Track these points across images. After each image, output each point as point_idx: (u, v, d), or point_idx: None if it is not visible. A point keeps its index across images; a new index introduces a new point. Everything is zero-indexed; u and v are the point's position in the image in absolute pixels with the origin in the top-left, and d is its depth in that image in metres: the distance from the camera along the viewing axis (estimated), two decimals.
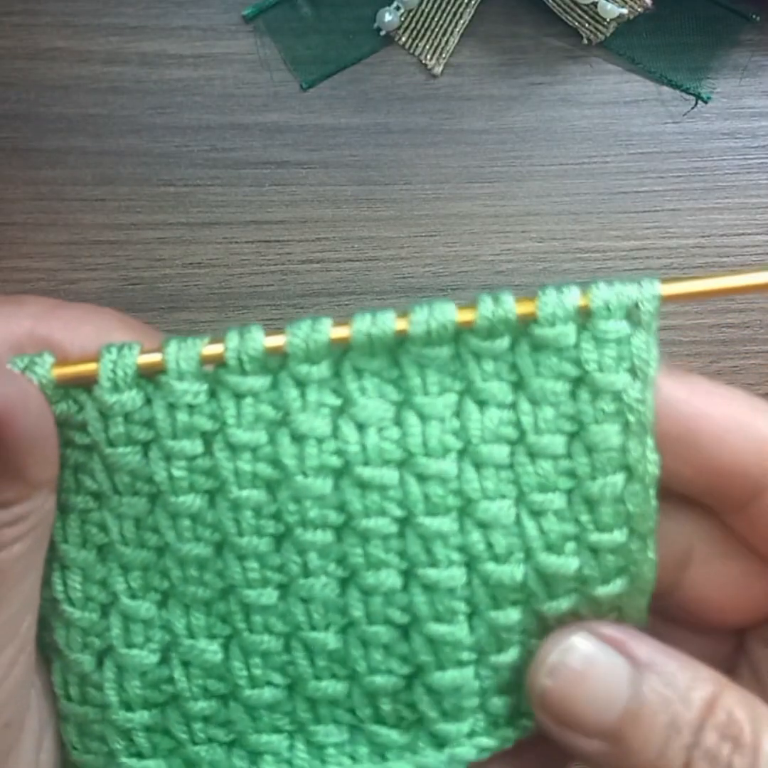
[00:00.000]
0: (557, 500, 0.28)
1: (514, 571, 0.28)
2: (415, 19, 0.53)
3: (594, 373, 0.27)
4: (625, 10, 0.52)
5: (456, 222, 0.52)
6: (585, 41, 0.54)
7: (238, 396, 0.27)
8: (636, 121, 0.54)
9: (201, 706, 0.30)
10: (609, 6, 0.52)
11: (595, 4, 0.52)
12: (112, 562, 0.29)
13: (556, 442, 0.27)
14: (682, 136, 0.54)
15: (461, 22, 0.53)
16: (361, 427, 0.28)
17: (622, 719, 0.26)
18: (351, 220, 0.52)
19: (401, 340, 0.27)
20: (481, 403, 0.28)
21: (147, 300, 0.51)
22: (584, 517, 0.28)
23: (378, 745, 0.30)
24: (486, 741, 0.30)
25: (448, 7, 0.53)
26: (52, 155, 0.52)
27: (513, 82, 0.54)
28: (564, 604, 0.28)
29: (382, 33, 0.53)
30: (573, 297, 0.27)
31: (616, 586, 0.28)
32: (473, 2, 0.53)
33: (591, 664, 0.27)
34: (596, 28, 0.53)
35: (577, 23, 0.53)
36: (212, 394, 0.28)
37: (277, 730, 0.30)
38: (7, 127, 0.52)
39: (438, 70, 0.53)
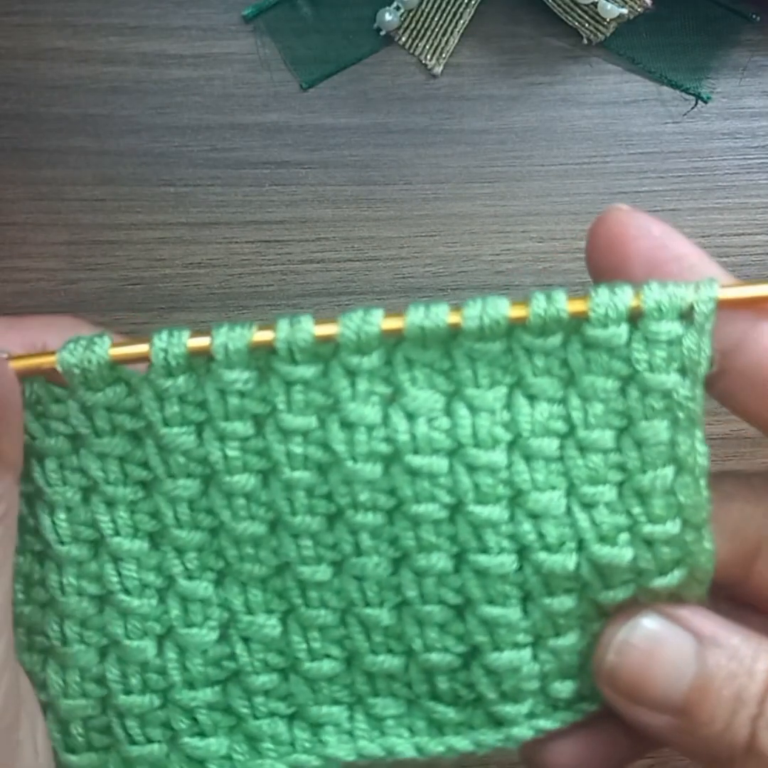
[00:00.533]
0: (608, 492, 0.28)
1: (566, 561, 0.28)
2: (415, 19, 0.53)
3: (644, 373, 0.27)
4: (625, 10, 0.52)
5: (456, 222, 0.52)
6: (585, 41, 0.54)
7: (288, 383, 0.28)
8: (636, 121, 0.54)
9: (262, 680, 0.30)
10: (609, 6, 0.52)
11: (595, 4, 0.52)
12: (166, 547, 0.30)
13: (606, 437, 0.28)
14: (682, 136, 0.54)
15: (461, 22, 0.53)
16: (411, 416, 0.28)
17: (689, 694, 0.27)
18: (351, 220, 0.52)
19: (453, 333, 0.28)
20: (532, 397, 0.28)
21: (147, 300, 0.51)
22: (636, 510, 0.28)
23: (435, 721, 0.31)
24: (543, 723, 0.30)
25: (448, 7, 0.53)
26: (52, 155, 0.52)
27: (513, 82, 0.54)
28: (620, 594, 0.29)
29: (382, 33, 0.53)
30: (626, 298, 0.27)
31: (674, 577, 0.29)
32: (473, 2, 0.53)
33: (657, 641, 0.28)
34: (596, 28, 0.53)
35: (577, 23, 0.53)
36: (262, 377, 0.28)
37: (337, 702, 0.31)
38: (7, 127, 0.52)
39: (438, 70, 0.53)
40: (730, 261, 0.52)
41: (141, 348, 0.28)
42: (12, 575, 0.29)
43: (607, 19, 0.53)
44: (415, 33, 0.53)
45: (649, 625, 0.28)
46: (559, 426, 0.28)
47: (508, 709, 0.30)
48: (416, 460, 0.28)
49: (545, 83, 0.54)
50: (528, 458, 0.28)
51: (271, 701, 0.31)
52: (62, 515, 0.29)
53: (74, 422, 0.29)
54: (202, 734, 0.31)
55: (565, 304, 0.27)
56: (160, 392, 0.28)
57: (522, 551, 0.29)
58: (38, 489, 0.30)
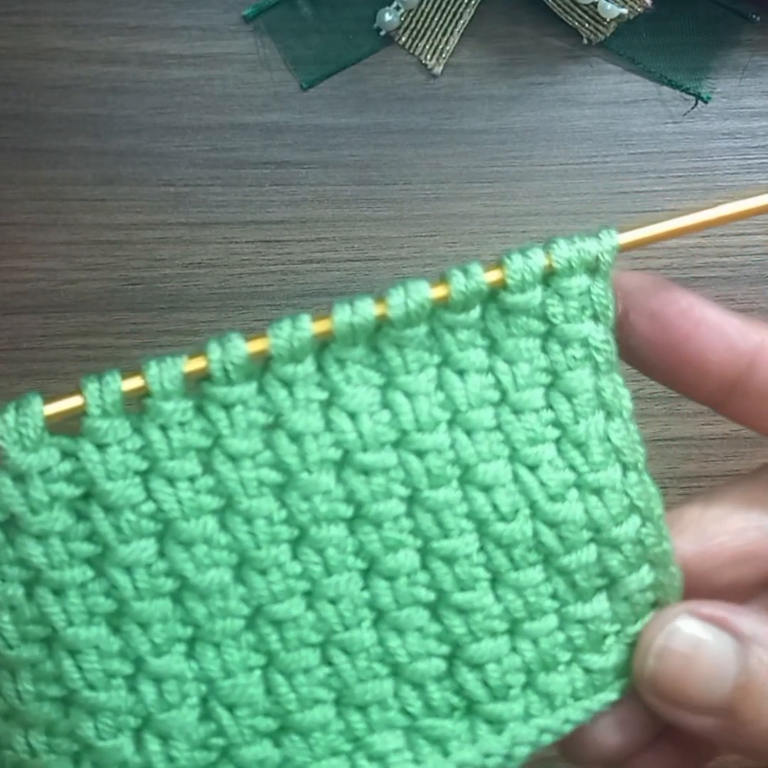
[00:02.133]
0: (548, 450, 0.28)
1: (523, 527, 0.28)
2: (415, 19, 0.53)
3: (562, 325, 0.28)
4: (625, 10, 0.52)
5: (456, 222, 0.52)
6: (585, 41, 0.54)
7: (227, 406, 0.27)
8: (636, 121, 0.54)
9: (255, 750, 0.28)
10: (609, 6, 0.52)
11: (595, 4, 0.52)
12: (128, 626, 0.28)
13: (537, 395, 0.28)
14: (682, 136, 0.54)
15: (461, 22, 0.53)
16: (353, 415, 0.28)
17: (733, 694, 0.27)
18: (351, 220, 0.52)
19: (378, 325, 0.28)
20: (461, 372, 0.28)
21: (147, 300, 0.51)
22: (578, 461, 0.29)
23: (437, 740, 0.30)
24: (544, 722, 0.30)
25: (448, 7, 0.53)
26: (52, 155, 0.52)
27: (513, 82, 0.54)
28: (584, 555, 0.29)
29: (382, 33, 0.53)
30: (539, 261, 0.28)
31: (630, 524, 0.29)
32: (473, 2, 0.53)
33: (697, 644, 0.28)
34: (596, 28, 0.53)
35: (577, 23, 0.53)
36: (198, 409, 0.27)
37: (336, 753, 0.29)
38: (7, 127, 0.52)
39: (438, 70, 0.53)
40: (730, 261, 0.52)
41: (74, 401, 0.26)
42: None
43: (607, 19, 0.53)
44: (415, 33, 0.54)
45: (686, 628, 0.28)
46: (492, 394, 0.28)
47: (501, 708, 0.29)
48: (367, 458, 0.28)
49: (545, 83, 0.54)
50: (469, 432, 0.28)
51: None
52: (6, 617, 0.27)
53: (6, 501, 0.26)
54: None
55: (483, 277, 0.27)
56: (100, 439, 0.26)
57: (480, 527, 0.29)
58: None
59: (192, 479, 0.27)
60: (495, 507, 0.28)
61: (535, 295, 0.28)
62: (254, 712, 0.29)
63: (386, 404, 0.28)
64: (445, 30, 0.53)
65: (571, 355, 0.28)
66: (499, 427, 0.28)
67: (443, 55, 0.53)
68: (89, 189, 0.52)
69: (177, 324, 0.51)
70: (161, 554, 0.28)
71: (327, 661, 0.29)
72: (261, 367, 0.27)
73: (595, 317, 0.28)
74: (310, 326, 0.27)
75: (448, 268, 0.28)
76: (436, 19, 0.53)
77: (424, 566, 0.29)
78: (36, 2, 0.52)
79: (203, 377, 0.27)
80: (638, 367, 0.30)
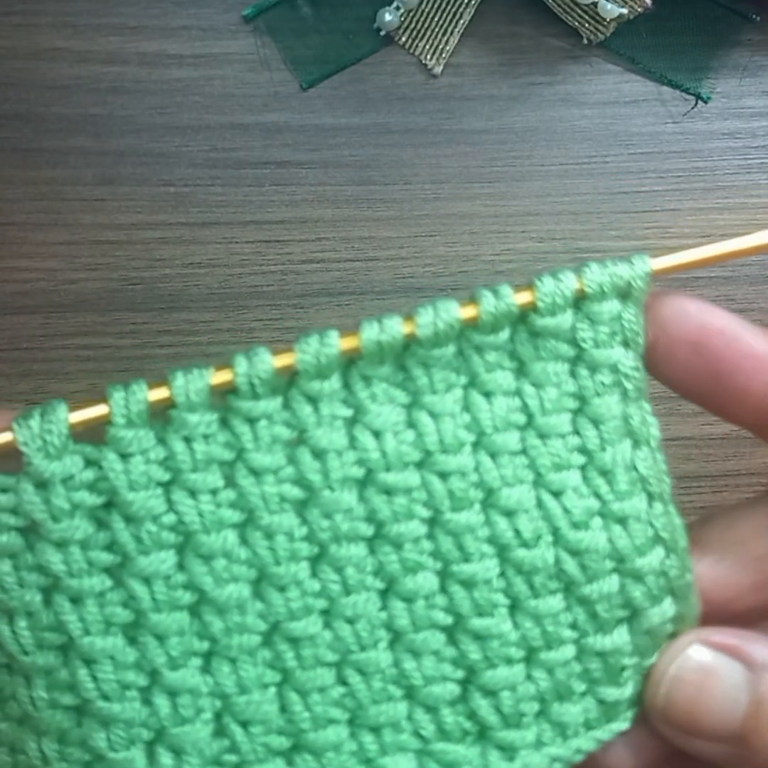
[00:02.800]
0: (573, 476, 0.28)
1: (545, 554, 0.28)
2: (415, 19, 0.53)
3: (591, 350, 0.28)
4: (625, 10, 0.52)
5: (456, 222, 0.52)
6: (585, 41, 0.54)
7: (252, 420, 0.27)
8: (636, 121, 0.54)
9: None
10: (609, 6, 0.52)
11: (595, 4, 0.52)
12: (145, 637, 0.27)
13: (563, 420, 0.28)
14: (682, 136, 0.54)
15: (461, 22, 0.53)
16: (377, 433, 0.27)
17: (745, 722, 0.27)
18: (351, 220, 0.52)
19: (405, 343, 0.27)
20: (488, 394, 0.28)
21: (147, 300, 0.51)
22: (603, 489, 0.28)
23: (448, 765, 0.29)
24: (555, 751, 0.29)
25: (448, 7, 0.53)
26: (52, 155, 0.52)
27: (513, 82, 0.54)
28: (606, 585, 0.28)
29: (382, 33, 0.53)
30: (571, 284, 0.27)
31: (654, 555, 0.28)
32: (473, 2, 0.53)
33: (709, 673, 0.28)
34: (596, 28, 0.53)
35: (577, 23, 0.53)
36: (223, 422, 0.27)
37: None
38: (7, 127, 0.52)
39: (438, 70, 0.53)
40: (730, 261, 0.52)
41: (100, 409, 0.26)
42: None
43: (607, 19, 0.53)
44: (415, 33, 0.54)
45: (697, 657, 0.28)
46: (518, 417, 0.28)
47: (513, 735, 0.29)
48: (390, 477, 0.27)
49: (545, 83, 0.54)
50: (493, 455, 0.28)
51: None
52: (23, 623, 0.27)
53: (28, 508, 0.26)
54: None
55: (513, 299, 0.27)
56: (123, 449, 0.26)
57: (502, 553, 0.28)
58: None
59: (214, 492, 0.27)
60: (517, 532, 0.28)
61: (565, 319, 0.27)
62: (268, 729, 0.28)
63: (411, 424, 0.28)
64: (445, 30, 0.53)
65: (599, 381, 0.28)
66: (524, 452, 0.28)
67: (443, 55, 0.53)
68: (89, 189, 0.52)
69: (177, 324, 0.51)
70: (181, 566, 0.27)
71: (342, 681, 0.29)
72: (287, 381, 0.27)
73: (626, 343, 0.28)
74: (337, 342, 0.27)
75: (478, 288, 0.28)
76: (436, 19, 0.53)
77: (443, 589, 0.28)
78: (36, 2, 0.52)
79: (229, 390, 0.27)
80: (670, 387, 0.29)
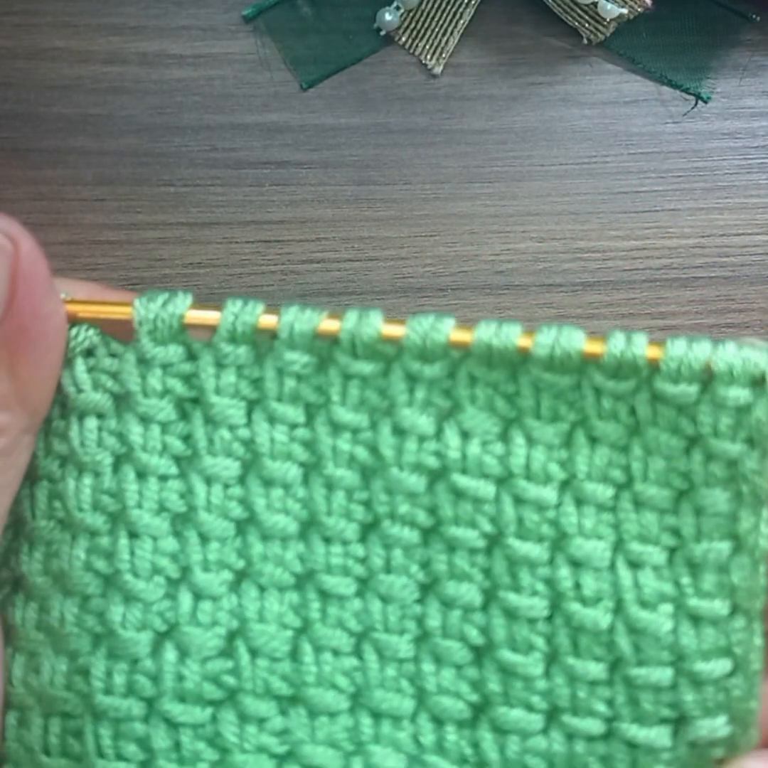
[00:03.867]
0: (657, 555, 0.27)
1: (599, 617, 0.27)
2: (415, 19, 0.53)
3: (708, 438, 0.26)
4: (625, 10, 0.52)
5: (456, 222, 0.52)
6: (585, 41, 0.54)
7: (346, 376, 0.27)
8: (636, 121, 0.54)
9: (260, 707, 0.28)
10: (609, 6, 0.52)
11: (595, 4, 0.52)
12: (189, 532, 0.28)
13: (664, 496, 0.27)
14: (682, 136, 0.54)
15: (461, 22, 0.53)
16: (465, 434, 0.27)
17: None
18: (351, 220, 0.52)
19: (522, 357, 0.26)
20: (594, 440, 0.27)
21: None
22: (685, 580, 0.27)
23: None
24: None
25: (448, 7, 0.53)
26: (52, 155, 0.52)
27: (513, 82, 0.54)
28: (656, 675, 0.27)
29: (382, 33, 0.53)
30: (701, 355, 0.25)
31: (718, 666, 0.26)
32: (473, 2, 0.53)
33: None
34: (596, 28, 0.53)
35: (577, 23, 0.53)
36: (321, 367, 0.28)
37: (334, 746, 0.28)
38: (7, 127, 0.52)
39: (438, 70, 0.53)
40: (730, 261, 0.52)
41: (214, 315, 0.28)
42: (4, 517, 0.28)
43: (607, 19, 0.53)
44: (415, 33, 0.53)
45: None
46: (617, 475, 0.27)
47: None
48: (463, 481, 0.27)
49: (545, 83, 0.54)
50: (579, 502, 0.27)
51: (264, 735, 0.28)
52: (88, 480, 0.28)
53: (125, 377, 0.28)
54: (180, 763, 0.28)
55: (644, 349, 0.26)
56: (220, 358, 0.28)
57: (555, 598, 0.27)
58: (72, 450, 0.28)
59: (293, 427, 0.28)
60: (578, 585, 0.27)
61: (688, 393, 0.26)
62: (273, 668, 0.29)
63: (504, 439, 0.27)
64: (445, 30, 0.53)
65: (712, 472, 0.26)
66: (613, 510, 0.27)
67: (443, 55, 0.53)
68: (89, 189, 0.52)
69: None
70: (242, 481, 0.28)
71: (358, 654, 0.29)
72: (394, 353, 0.27)
73: (750, 441, 0.26)
74: (448, 331, 0.27)
75: (612, 329, 0.26)
76: (436, 19, 0.53)
77: (484, 609, 0.28)
78: (36, 2, 0.52)
79: (335, 340, 0.27)
80: None
